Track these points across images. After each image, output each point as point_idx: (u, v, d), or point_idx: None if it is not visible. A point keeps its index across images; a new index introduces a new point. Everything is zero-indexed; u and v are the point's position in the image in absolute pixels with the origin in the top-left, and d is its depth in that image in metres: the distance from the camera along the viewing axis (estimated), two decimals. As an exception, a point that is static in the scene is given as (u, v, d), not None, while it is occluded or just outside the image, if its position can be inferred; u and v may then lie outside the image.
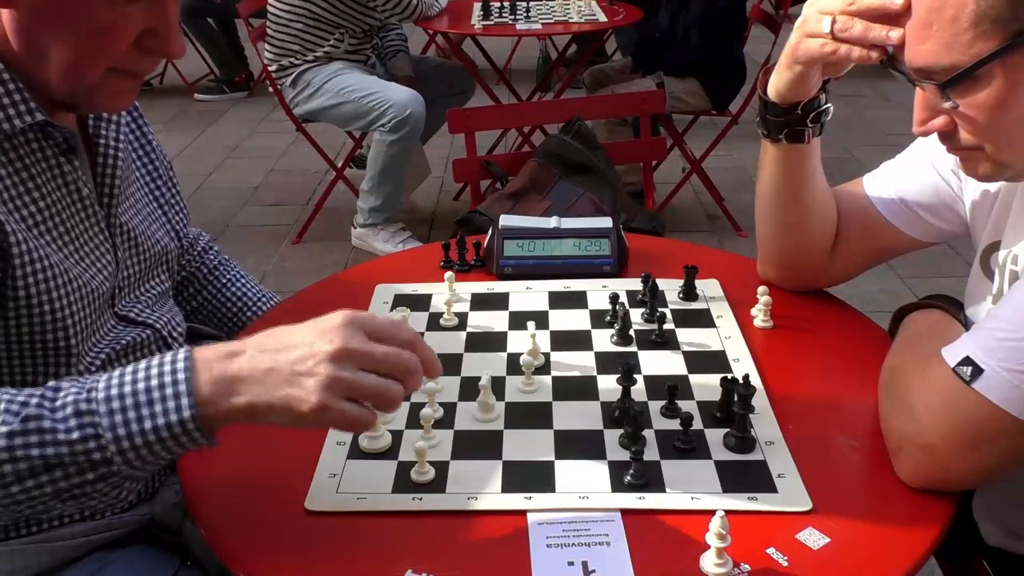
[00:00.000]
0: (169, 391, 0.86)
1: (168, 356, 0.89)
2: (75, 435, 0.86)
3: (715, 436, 1.08)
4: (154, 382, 0.87)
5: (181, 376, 0.87)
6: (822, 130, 1.23)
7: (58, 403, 0.87)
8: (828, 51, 1.07)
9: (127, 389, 0.87)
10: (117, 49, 1.02)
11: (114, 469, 0.87)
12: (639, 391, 1.17)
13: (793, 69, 1.15)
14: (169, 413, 0.86)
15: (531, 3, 4.38)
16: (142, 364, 0.90)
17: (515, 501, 0.99)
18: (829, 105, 1.21)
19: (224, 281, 1.52)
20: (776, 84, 1.19)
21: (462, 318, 1.37)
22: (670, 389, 1.13)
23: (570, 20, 4.19)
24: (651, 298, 1.35)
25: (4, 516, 0.90)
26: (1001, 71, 0.94)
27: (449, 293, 1.40)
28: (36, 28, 1.00)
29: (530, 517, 0.97)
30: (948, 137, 1.03)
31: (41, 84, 1.03)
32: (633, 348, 1.28)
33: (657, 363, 1.24)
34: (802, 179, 1.27)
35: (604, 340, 1.30)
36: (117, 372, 0.90)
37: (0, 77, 1.02)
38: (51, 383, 0.91)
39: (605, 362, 1.25)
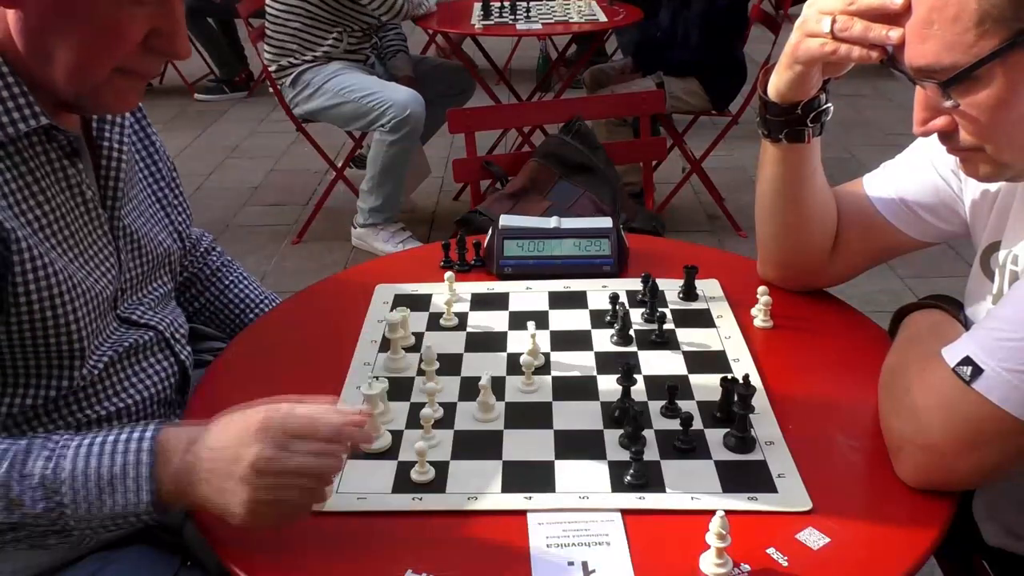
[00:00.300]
0: (131, 483, 0.93)
1: (136, 435, 0.95)
2: (39, 507, 0.93)
3: (715, 436, 1.08)
4: (117, 469, 0.94)
5: (144, 471, 0.94)
6: (822, 130, 1.23)
7: (26, 471, 0.93)
8: (828, 51, 1.07)
9: (91, 472, 0.94)
10: (124, 49, 1.01)
11: (73, 536, 0.95)
12: (639, 391, 1.17)
13: (793, 69, 1.15)
14: (129, 505, 0.94)
15: (531, 3, 4.38)
16: (111, 438, 0.96)
17: (515, 501, 0.99)
18: (829, 105, 1.21)
19: (227, 283, 1.52)
20: (776, 84, 1.19)
21: (462, 318, 1.37)
22: (670, 389, 1.13)
23: (570, 20, 4.19)
24: (651, 298, 1.35)
25: None
26: (1002, 70, 0.94)
27: (449, 293, 1.40)
28: (43, 29, 0.99)
29: (530, 517, 0.97)
30: (948, 137, 1.03)
31: (46, 85, 1.03)
32: (633, 348, 1.28)
33: (657, 363, 1.24)
34: (802, 179, 1.27)
35: (604, 340, 1.30)
36: (87, 441, 0.96)
37: (4, 80, 1.02)
38: (23, 440, 0.96)
39: (605, 362, 1.25)
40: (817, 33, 1.08)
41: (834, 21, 1.05)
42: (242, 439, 0.92)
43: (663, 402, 1.14)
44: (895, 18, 1.00)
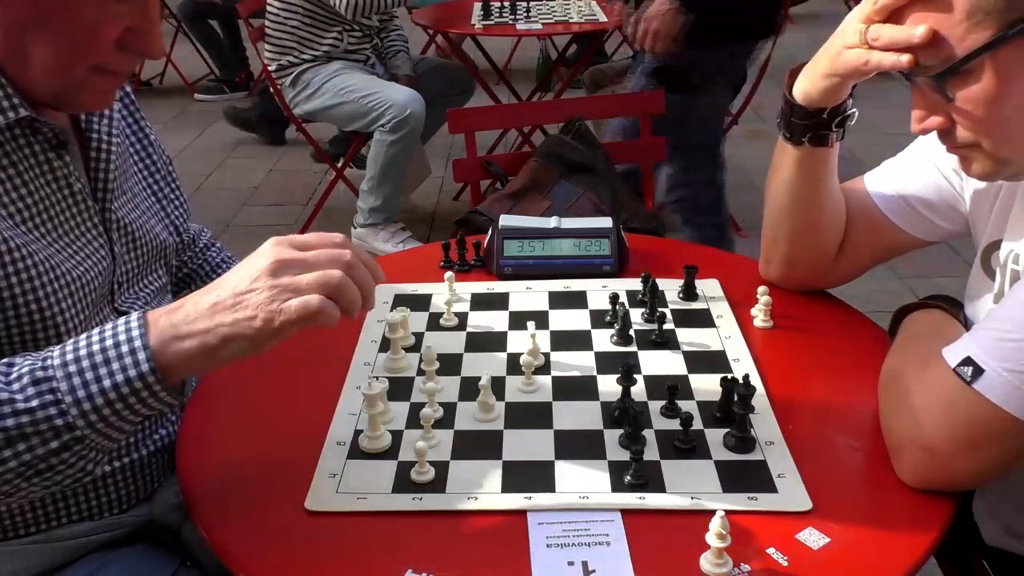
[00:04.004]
0: (125, 348, 0.87)
1: (120, 320, 0.90)
2: (34, 403, 0.86)
3: (715, 436, 1.08)
4: (109, 343, 0.88)
5: (136, 333, 0.88)
6: (844, 134, 1.23)
7: (13, 375, 0.87)
8: (863, 61, 1.06)
9: (83, 352, 0.87)
10: (100, 48, 1.02)
11: (78, 435, 0.87)
12: (639, 391, 1.17)
13: (831, 80, 1.14)
14: (128, 369, 0.87)
15: (531, 3, 4.38)
16: (95, 331, 0.90)
17: (515, 501, 0.99)
18: (855, 110, 1.21)
19: None
20: (807, 91, 1.18)
21: (462, 318, 1.37)
22: (670, 389, 1.13)
23: (570, 20, 4.19)
24: (651, 298, 1.35)
25: None
26: (994, 63, 0.95)
27: (449, 293, 1.40)
28: (19, 26, 0.99)
29: (530, 517, 0.97)
30: (946, 135, 1.04)
31: (23, 84, 1.03)
32: (633, 348, 1.28)
33: (657, 363, 1.24)
34: (819, 182, 1.27)
35: (604, 340, 1.30)
36: (71, 342, 0.90)
37: None
38: (3, 360, 0.90)
39: (605, 362, 1.25)
40: (854, 45, 1.08)
41: (866, 31, 1.05)
42: (253, 258, 0.91)
43: (663, 402, 1.14)
44: (901, 14, 1.01)
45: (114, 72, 1.06)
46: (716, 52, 2.76)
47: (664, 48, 2.73)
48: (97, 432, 0.88)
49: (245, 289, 0.88)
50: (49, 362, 0.88)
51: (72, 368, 0.87)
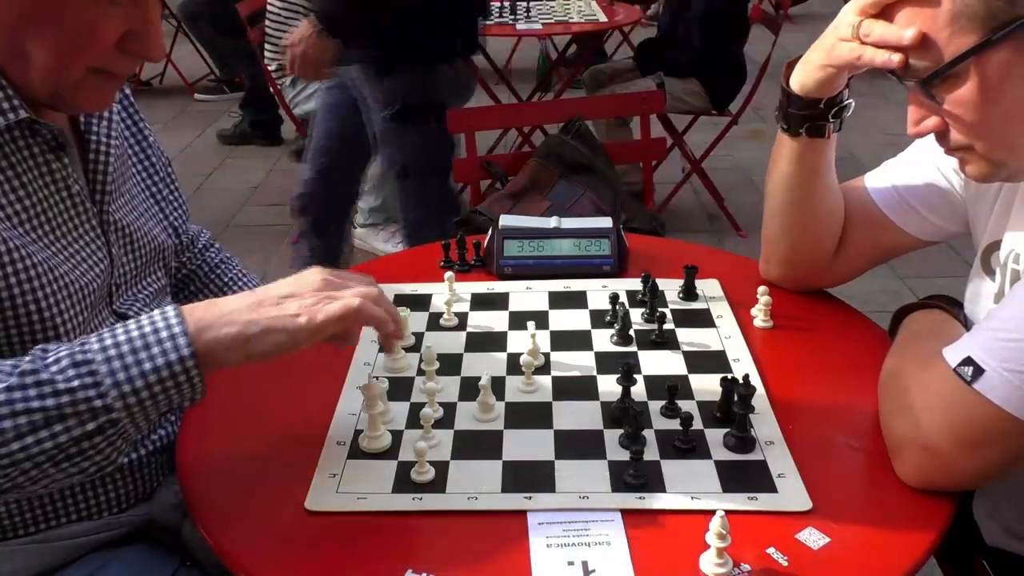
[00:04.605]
0: (164, 334, 0.90)
1: (156, 311, 0.93)
2: (75, 383, 0.87)
3: (715, 436, 1.08)
4: (147, 329, 0.90)
5: (174, 321, 0.91)
6: (841, 126, 1.24)
7: (51, 358, 0.89)
8: (856, 55, 1.07)
9: (121, 339, 0.90)
10: (98, 50, 1.01)
11: (114, 417, 0.88)
12: (639, 391, 1.17)
13: (826, 71, 1.15)
14: (168, 353, 0.89)
15: (531, 3, 4.38)
16: (130, 321, 0.93)
17: (515, 501, 0.99)
18: (851, 101, 1.22)
19: (226, 280, 1.52)
20: (803, 81, 1.19)
21: (462, 318, 1.37)
22: (670, 389, 1.13)
23: (570, 20, 4.19)
24: (651, 298, 1.35)
25: (4, 486, 0.88)
26: (979, 68, 0.96)
27: (449, 293, 1.40)
28: (18, 27, 0.99)
29: (530, 517, 0.97)
30: (942, 137, 1.04)
31: (20, 84, 1.03)
32: (633, 348, 1.28)
33: (657, 363, 1.24)
34: (817, 175, 1.27)
35: (604, 340, 1.30)
36: (106, 330, 0.92)
37: None
38: (38, 347, 0.92)
39: (605, 362, 1.25)
40: (848, 38, 1.08)
41: (859, 25, 1.05)
42: (301, 275, 1.01)
43: (663, 402, 1.14)
44: (890, 12, 1.01)
45: (114, 74, 1.06)
46: (417, 76, 2.67)
47: (316, 74, 2.68)
48: (131, 416, 0.89)
49: (288, 294, 0.97)
50: (88, 347, 0.90)
51: (112, 352, 0.89)
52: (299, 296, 0.97)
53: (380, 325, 1.02)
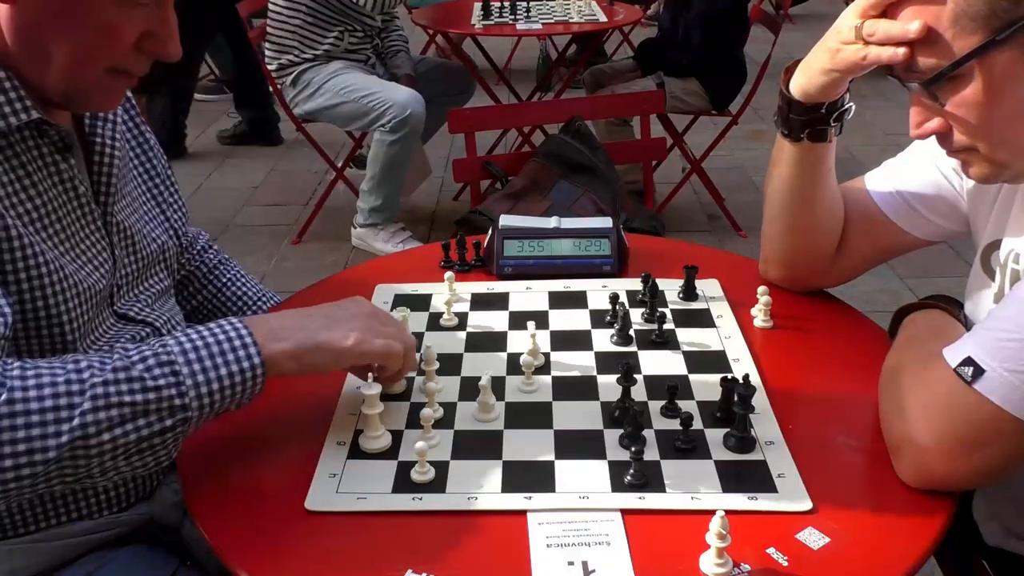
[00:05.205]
0: (237, 343, 0.99)
1: (222, 321, 1.01)
2: (161, 382, 0.94)
3: (715, 436, 1.08)
4: (221, 337, 0.99)
5: (244, 332, 1.00)
6: (842, 129, 1.23)
7: (136, 357, 0.95)
8: (860, 56, 1.07)
9: (198, 343, 0.98)
10: (119, 49, 1.03)
11: (188, 415, 0.96)
12: (639, 391, 1.17)
13: (830, 76, 1.14)
14: (241, 360, 0.98)
15: (531, 3, 4.38)
16: (199, 328, 1.00)
17: (515, 501, 0.99)
18: (852, 104, 1.21)
19: (224, 280, 1.52)
20: (805, 87, 1.18)
21: (462, 318, 1.37)
22: (670, 389, 1.13)
23: (570, 20, 4.19)
24: (651, 298, 1.35)
25: (69, 476, 0.92)
26: (982, 69, 0.95)
27: (449, 293, 1.40)
28: (38, 27, 1.00)
29: (530, 517, 0.97)
30: (944, 139, 1.04)
31: (35, 83, 1.03)
32: (633, 348, 1.28)
33: (657, 363, 1.24)
34: (817, 178, 1.27)
35: (604, 340, 1.30)
36: (179, 335, 0.99)
37: None
38: (117, 346, 1.00)
39: (605, 362, 1.25)
40: (851, 40, 1.08)
41: (861, 26, 1.05)
42: (346, 303, 1.11)
43: (663, 402, 1.14)
44: (895, 10, 1.01)
45: (129, 73, 1.07)
46: None
47: None
48: (202, 415, 0.97)
49: (341, 318, 1.07)
50: (169, 349, 0.97)
51: (192, 356, 0.97)
52: (351, 321, 1.06)
53: (400, 374, 1.13)
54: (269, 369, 1.00)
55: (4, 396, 0.88)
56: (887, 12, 1.02)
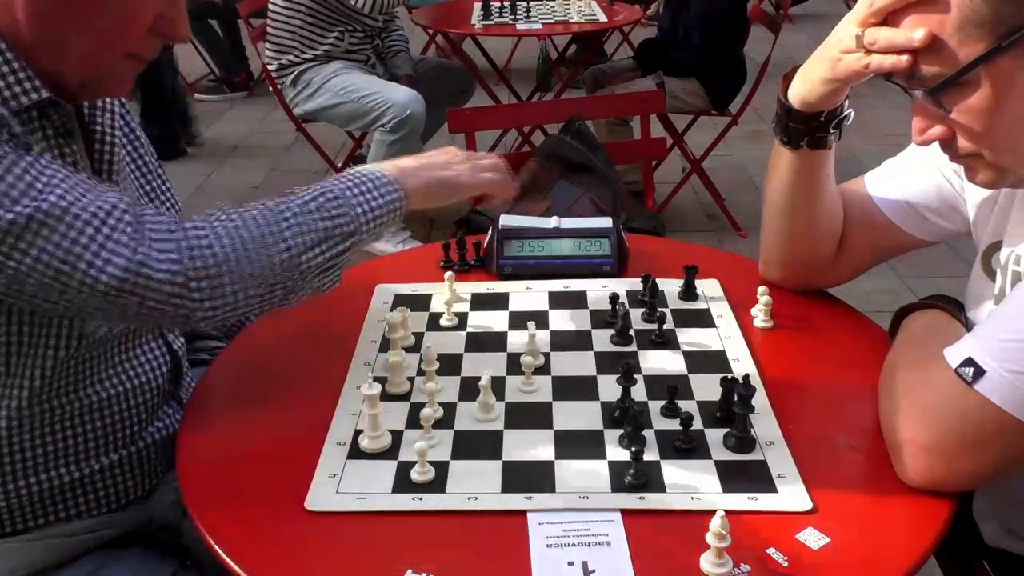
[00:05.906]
0: (383, 180, 1.16)
1: (355, 170, 1.17)
2: (334, 211, 1.10)
3: (715, 436, 1.08)
4: (370, 177, 1.16)
5: (380, 173, 1.17)
6: (841, 135, 1.23)
7: (308, 197, 1.11)
8: (862, 64, 1.06)
9: (354, 182, 1.14)
10: (136, 34, 1.04)
11: (356, 240, 1.13)
12: (639, 391, 1.17)
13: (831, 85, 1.13)
14: (390, 193, 1.16)
15: (531, 3, 4.38)
16: (346, 175, 1.16)
17: (515, 501, 0.99)
18: (851, 111, 1.21)
19: None
20: (804, 96, 1.17)
21: (462, 318, 1.37)
22: (670, 389, 1.13)
23: (570, 20, 4.19)
24: (651, 298, 1.35)
25: (293, 284, 1.09)
26: (988, 76, 0.94)
27: (449, 293, 1.40)
28: (57, 15, 1.01)
29: (530, 517, 0.97)
30: (948, 145, 1.03)
31: (51, 71, 1.04)
32: (633, 348, 1.28)
33: (657, 363, 1.24)
34: (817, 184, 1.27)
35: (604, 340, 1.30)
36: (333, 179, 1.15)
37: (3, 56, 1.02)
38: (286, 191, 1.13)
39: (605, 362, 1.25)
40: (852, 50, 1.07)
41: (862, 35, 1.04)
42: (440, 151, 1.29)
43: (663, 402, 1.14)
44: (897, 18, 1.00)
45: (142, 58, 1.09)
46: None
47: None
48: (361, 240, 1.14)
49: (449, 162, 1.26)
50: (333, 189, 1.12)
51: (353, 192, 1.13)
52: (456, 165, 1.26)
53: (504, 193, 1.33)
54: (408, 201, 1.17)
55: (228, 238, 1.04)
56: (887, 20, 1.01)
